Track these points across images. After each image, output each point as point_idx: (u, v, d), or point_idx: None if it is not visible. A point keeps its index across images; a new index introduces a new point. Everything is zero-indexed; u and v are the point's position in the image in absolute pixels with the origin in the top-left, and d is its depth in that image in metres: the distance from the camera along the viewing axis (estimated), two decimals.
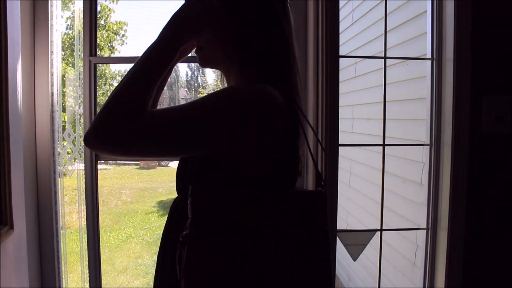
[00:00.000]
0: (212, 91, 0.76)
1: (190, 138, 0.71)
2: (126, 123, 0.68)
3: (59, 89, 1.59)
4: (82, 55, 1.54)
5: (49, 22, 1.52)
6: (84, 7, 1.52)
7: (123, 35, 7.56)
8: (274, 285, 0.75)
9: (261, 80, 0.77)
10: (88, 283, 1.61)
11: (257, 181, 0.77)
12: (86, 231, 1.58)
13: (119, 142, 0.68)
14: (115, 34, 7.38)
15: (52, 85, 1.55)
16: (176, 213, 0.84)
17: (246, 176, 0.76)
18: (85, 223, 1.57)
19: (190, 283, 0.76)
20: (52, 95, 1.55)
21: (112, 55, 7.40)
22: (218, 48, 0.83)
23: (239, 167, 0.75)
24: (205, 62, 0.86)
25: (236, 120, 0.70)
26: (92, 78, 1.53)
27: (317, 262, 0.77)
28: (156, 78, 0.74)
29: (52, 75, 1.55)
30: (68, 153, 1.73)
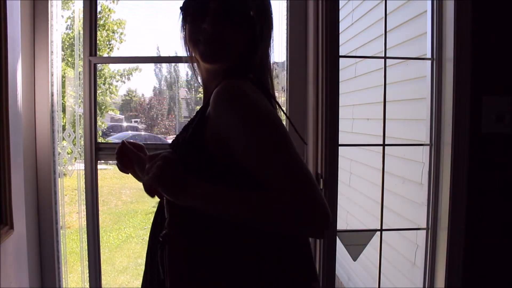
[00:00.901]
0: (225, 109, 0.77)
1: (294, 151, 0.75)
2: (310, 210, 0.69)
3: (59, 89, 1.59)
4: (82, 55, 1.54)
5: (49, 22, 1.52)
6: (84, 7, 1.52)
7: (121, 33, 7.55)
8: (253, 279, 0.76)
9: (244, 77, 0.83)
10: (88, 283, 1.61)
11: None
12: (86, 231, 1.58)
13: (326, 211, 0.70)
14: (113, 32, 7.37)
15: (52, 85, 1.55)
16: (162, 210, 0.85)
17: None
18: (85, 223, 1.57)
19: (173, 283, 0.78)
20: (52, 95, 1.55)
21: (111, 54, 7.41)
22: (237, 47, 0.85)
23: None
24: (221, 56, 0.85)
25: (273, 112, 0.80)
26: (92, 78, 1.52)
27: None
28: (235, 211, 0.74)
29: (52, 75, 1.55)
30: (68, 153, 1.73)
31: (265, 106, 0.77)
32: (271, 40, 0.91)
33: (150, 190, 0.81)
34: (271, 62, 0.92)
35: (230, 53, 0.85)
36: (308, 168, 0.74)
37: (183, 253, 0.77)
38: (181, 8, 0.87)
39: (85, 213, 1.56)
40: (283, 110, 0.87)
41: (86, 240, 1.58)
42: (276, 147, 0.73)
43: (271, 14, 0.90)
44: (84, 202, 1.57)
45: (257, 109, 0.76)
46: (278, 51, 1.55)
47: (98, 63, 1.60)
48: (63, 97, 1.93)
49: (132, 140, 0.97)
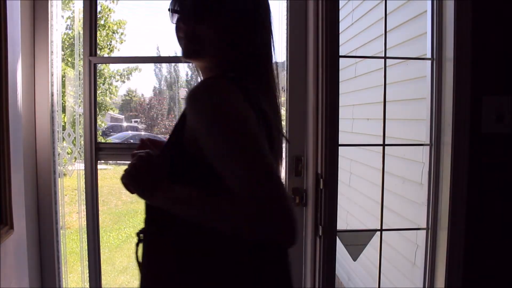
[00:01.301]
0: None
1: (266, 150, 0.73)
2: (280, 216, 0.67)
3: (59, 89, 1.59)
4: (82, 55, 1.54)
5: (49, 22, 1.52)
6: (84, 7, 1.51)
7: (121, 33, 7.54)
8: (225, 279, 0.77)
9: (234, 73, 0.82)
10: (88, 283, 1.61)
11: None
12: (86, 231, 1.58)
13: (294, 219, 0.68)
14: (113, 33, 7.36)
15: (52, 85, 1.55)
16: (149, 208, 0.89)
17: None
18: (85, 223, 1.57)
19: (146, 279, 0.83)
20: (52, 95, 1.55)
21: (112, 54, 7.41)
22: (220, 44, 0.85)
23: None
24: (197, 53, 0.86)
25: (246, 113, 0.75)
26: (92, 78, 1.52)
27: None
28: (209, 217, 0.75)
29: (52, 75, 1.55)
30: (68, 153, 1.73)
31: (235, 107, 0.73)
32: (270, 35, 0.89)
33: (127, 186, 0.82)
34: (272, 58, 0.90)
35: (207, 49, 0.84)
36: (277, 172, 0.72)
37: (157, 249, 0.82)
38: (168, 8, 0.88)
39: (85, 213, 1.56)
40: (271, 108, 0.84)
41: (86, 240, 1.58)
42: (241, 151, 0.70)
43: (263, 8, 0.88)
44: (84, 202, 1.57)
45: (223, 109, 0.72)
46: (278, 51, 1.55)
47: (98, 63, 1.60)
48: (63, 97, 1.93)
49: (150, 138, 0.95)
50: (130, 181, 0.79)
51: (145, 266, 0.83)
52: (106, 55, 7.26)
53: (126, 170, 0.79)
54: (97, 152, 1.55)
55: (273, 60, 0.90)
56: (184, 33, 0.84)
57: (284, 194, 0.69)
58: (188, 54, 0.86)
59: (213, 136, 0.72)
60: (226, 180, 0.70)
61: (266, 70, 0.88)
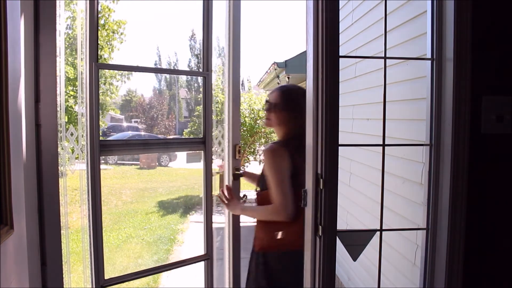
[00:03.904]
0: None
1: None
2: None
3: (62, 90, 1.59)
4: (83, 55, 1.54)
5: (57, 21, 1.51)
6: (89, 9, 1.51)
7: (122, 33, 7.55)
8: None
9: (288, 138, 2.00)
10: (88, 283, 1.61)
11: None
12: (87, 231, 1.58)
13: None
14: (114, 32, 7.37)
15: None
16: None
17: None
18: (87, 222, 1.57)
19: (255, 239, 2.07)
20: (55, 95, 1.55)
21: (112, 54, 7.41)
22: (278, 121, 2.01)
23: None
24: (269, 125, 2.06)
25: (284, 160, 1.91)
26: (95, 82, 1.53)
27: None
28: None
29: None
30: (69, 152, 1.73)
31: (278, 161, 1.86)
32: (304, 120, 1.47)
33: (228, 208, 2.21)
34: (305, 133, 1.48)
35: (272, 124, 2.03)
36: (288, 189, 1.83)
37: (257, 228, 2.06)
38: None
39: (86, 213, 1.56)
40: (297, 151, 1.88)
41: (87, 240, 1.58)
42: (275, 183, 1.85)
43: (303, 103, 1.48)
44: (85, 201, 1.57)
45: (273, 161, 1.88)
46: (278, 51, 1.55)
47: (102, 69, 1.61)
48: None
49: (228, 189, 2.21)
50: (231, 210, 2.17)
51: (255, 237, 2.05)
52: (106, 55, 7.27)
53: (229, 205, 2.15)
54: (99, 152, 1.55)
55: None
56: (266, 114, 2.04)
57: (288, 204, 1.82)
58: (265, 124, 2.09)
59: (268, 174, 1.88)
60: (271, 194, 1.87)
61: (301, 139, 1.57)
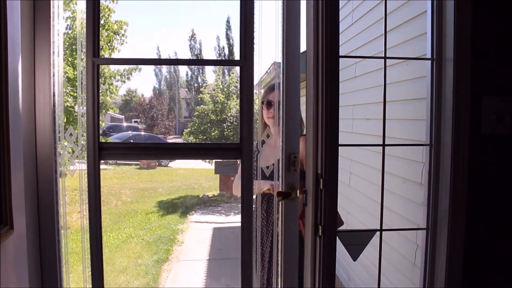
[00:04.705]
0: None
1: None
2: None
3: (60, 89, 1.59)
4: (82, 55, 1.54)
5: (51, 22, 1.52)
6: (87, 8, 1.51)
7: (123, 35, 7.55)
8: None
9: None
10: (89, 283, 1.61)
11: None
12: (87, 231, 1.57)
13: None
14: (115, 33, 7.37)
15: (53, 86, 1.55)
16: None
17: None
18: (87, 222, 1.57)
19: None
20: (54, 95, 1.55)
21: (112, 54, 7.41)
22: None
23: None
24: (278, 123, 1.74)
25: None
26: (95, 79, 1.52)
27: None
28: None
29: (53, 75, 1.54)
30: (69, 152, 1.72)
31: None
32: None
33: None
34: None
35: (279, 122, 1.80)
36: None
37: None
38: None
39: (86, 213, 1.56)
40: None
41: (87, 240, 1.58)
42: None
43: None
44: (85, 202, 1.57)
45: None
46: (278, 51, 1.55)
47: (101, 64, 1.60)
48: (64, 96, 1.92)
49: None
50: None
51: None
52: (107, 56, 7.26)
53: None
54: (100, 152, 1.55)
55: None
56: (271, 113, 2.10)
57: None
58: (274, 123, 2.02)
59: None
60: None
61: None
